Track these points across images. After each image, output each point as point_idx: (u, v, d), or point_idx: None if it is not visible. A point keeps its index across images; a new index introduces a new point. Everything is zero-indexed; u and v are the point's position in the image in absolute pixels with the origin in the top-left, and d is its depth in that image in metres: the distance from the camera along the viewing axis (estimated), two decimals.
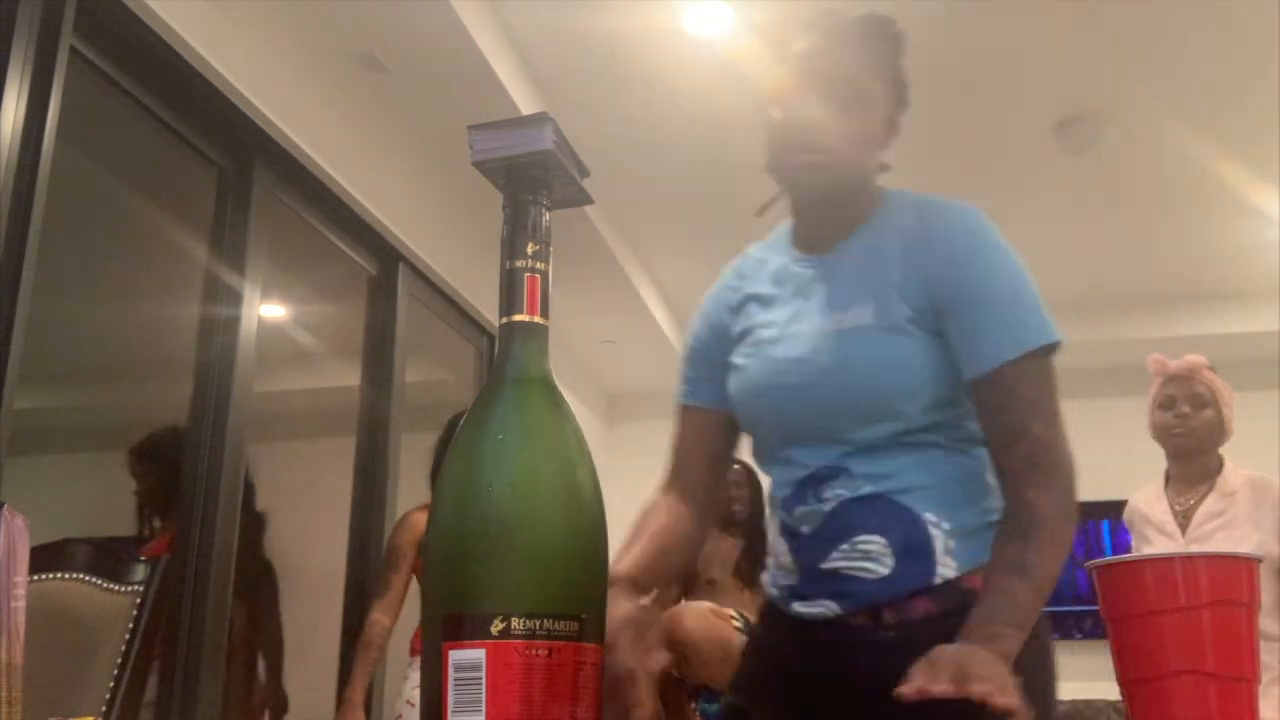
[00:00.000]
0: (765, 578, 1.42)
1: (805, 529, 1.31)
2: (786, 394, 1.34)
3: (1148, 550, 2.74)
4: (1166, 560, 0.76)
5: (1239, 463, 2.83)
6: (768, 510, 1.43)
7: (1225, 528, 2.64)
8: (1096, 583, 0.84)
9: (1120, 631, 0.79)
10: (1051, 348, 1.27)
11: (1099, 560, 0.83)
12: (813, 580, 1.30)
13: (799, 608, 1.31)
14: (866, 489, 1.29)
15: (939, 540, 1.26)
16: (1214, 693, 0.76)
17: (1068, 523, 1.19)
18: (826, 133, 1.31)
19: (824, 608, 1.29)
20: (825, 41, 1.35)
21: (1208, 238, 5.08)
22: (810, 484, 1.33)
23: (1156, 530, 2.76)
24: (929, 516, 1.27)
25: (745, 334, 1.42)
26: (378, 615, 3.13)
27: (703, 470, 1.45)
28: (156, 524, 3.16)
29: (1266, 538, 2.61)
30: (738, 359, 1.41)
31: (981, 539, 1.27)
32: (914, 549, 1.26)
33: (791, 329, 1.37)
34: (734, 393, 1.41)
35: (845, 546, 1.28)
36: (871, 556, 1.26)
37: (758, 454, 1.44)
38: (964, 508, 1.29)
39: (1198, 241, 5.12)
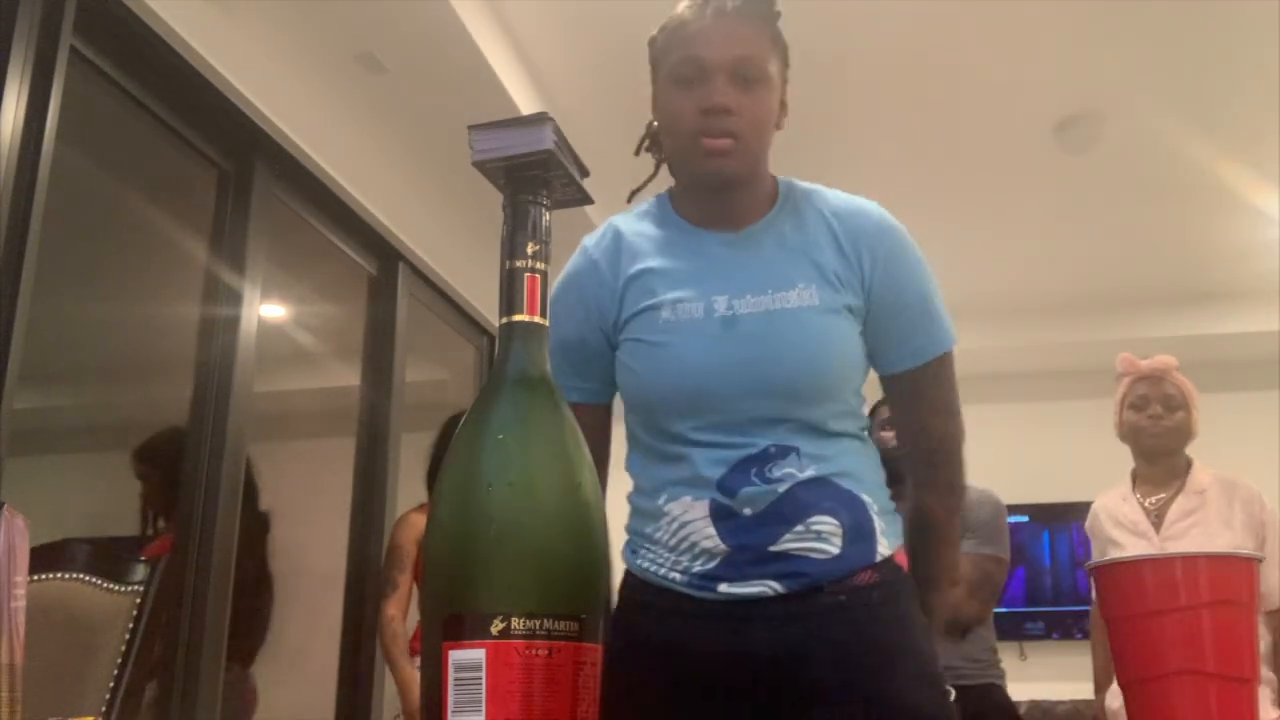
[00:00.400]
0: (642, 562, 1.35)
1: (748, 511, 1.29)
2: (730, 372, 1.31)
3: (1115, 552, 2.74)
4: (1166, 560, 0.76)
5: (1240, 464, 2.83)
6: (661, 496, 1.34)
7: (1199, 525, 2.65)
8: (1096, 583, 0.83)
9: (1120, 631, 0.79)
10: (952, 351, 1.43)
11: (1099, 560, 0.83)
12: (752, 562, 1.28)
13: (729, 589, 1.28)
14: (811, 470, 1.31)
15: (877, 522, 1.33)
16: (1214, 693, 0.76)
17: (957, 518, 1.45)
18: (740, 116, 1.33)
19: (765, 587, 1.28)
20: (726, 24, 1.36)
21: (1208, 238, 5.08)
22: (754, 464, 1.30)
23: (1129, 531, 2.76)
24: (866, 499, 1.33)
25: (647, 311, 1.37)
26: (391, 610, 3.17)
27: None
28: (160, 524, 3.16)
29: (1238, 534, 2.62)
30: (648, 338, 1.35)
31: (895, 520, 1.39)
32: (860, 530, 1.31)
33: (721, 305, 1.34)
34: (647, 375, 1.35)
35: (800, 528, 1.29)
36: (824, 537, 1.29)
37: (658, 436, 1.36)
38: (881, 491, 1.38)
39: (1198, 241, 5.12)
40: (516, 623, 0.66)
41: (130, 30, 2.73)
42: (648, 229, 1.45)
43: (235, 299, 3.15)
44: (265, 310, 3.33)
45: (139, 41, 2.77)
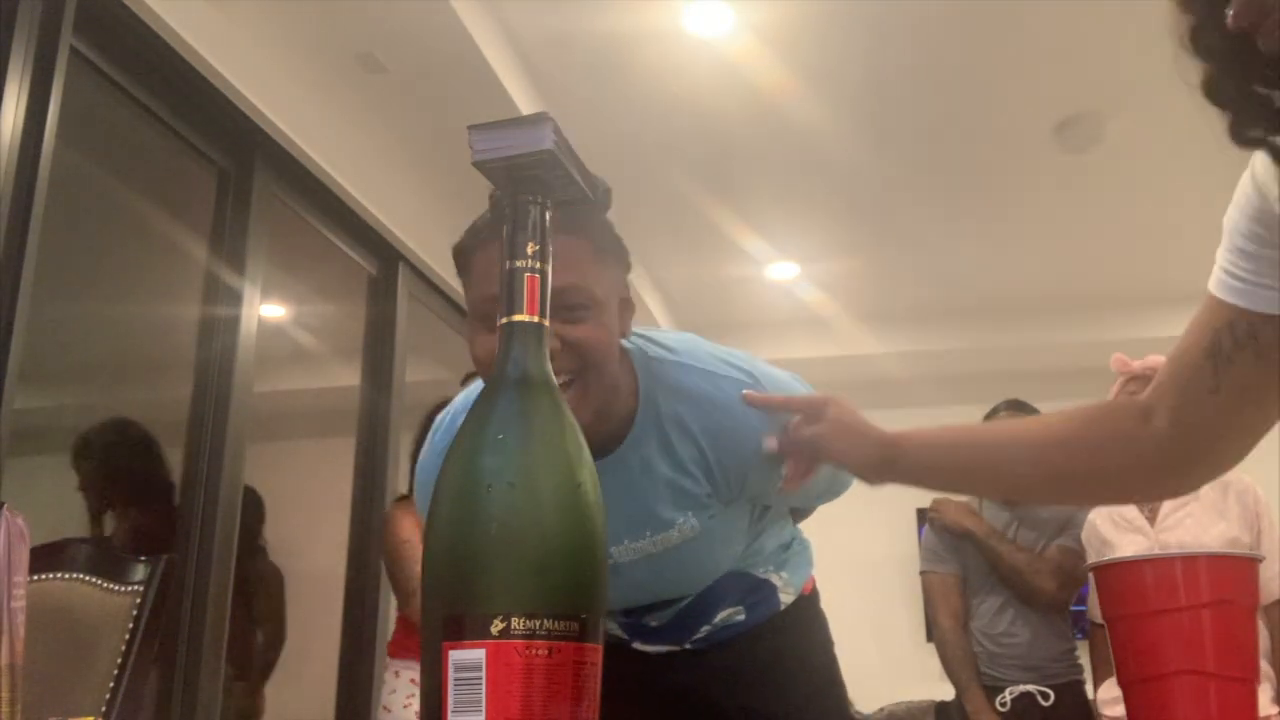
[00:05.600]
0: None
1: (655, 623, 1.43)
2: (623, 600, 1.41)
3: (1110, 553, 2.76)
4: (1166, 560, 0.76)
5: (1240, 465, 2.83)
6: None
7: (1193, 515, 2.67)
8: (1096, 583, 0.83)
9: (1120, 631, 0.79)
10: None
11: (1099, 560, 0.83)
12: (662, 639, 1.46)
13: (642, 647, 1.46)
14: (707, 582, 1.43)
15: (778, 582, 1.48)
16: (1214, 692, 0.76)
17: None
18: (569, 353, 1.17)
19: (674, 645, 1.47)
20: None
21: (1208, 238, 5.06)
22: (650, 609, 1.45)
23: (1125, 529, 2.77)
24: (764, 575, 1.47)
25: None
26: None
27: None
28: (112, 522, 3.08)
29: (1233, 525, 2.63)
30: None
31: (797, 556, 1.52)
32: (763, 599, 1.47)
33: (614, 552, 1.33)
34: None
35: (707, 626, 1.44)
36: (731, 619, 1.45)
37: None
38: (779, 552, 1.50)
39: (1198, 241, 5.11)
40: (516, 622, 0.66)
41: (130, 30, 2.73)
42: None
43: (235, 299, 3.15)
44: (265, 310, 3.33)
45: (139, 41, 2.77)
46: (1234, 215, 0.95)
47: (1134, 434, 1.05)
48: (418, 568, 3.02)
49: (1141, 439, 1.04)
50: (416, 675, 2.92)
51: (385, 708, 3.01)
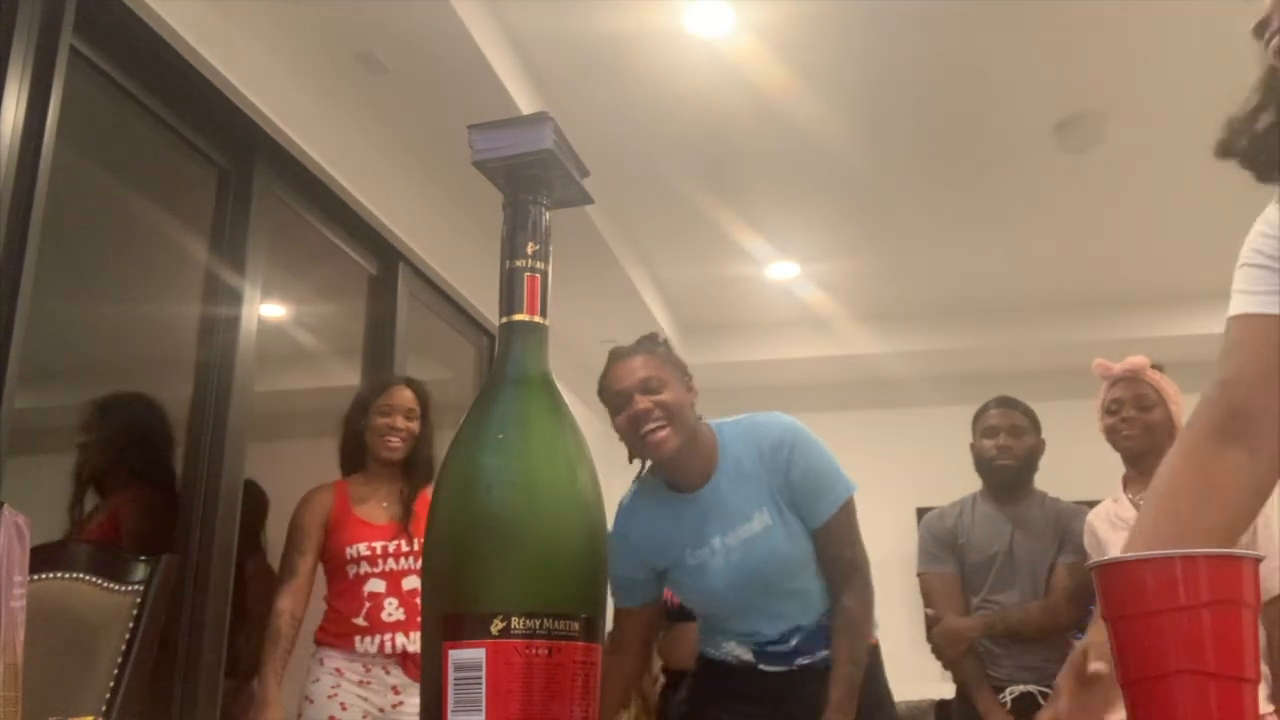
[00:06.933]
0: (713, 650, 2.27)
1: (773, 649, 2.18)
2: (724, 594, 2.15)
3: (1110, 553, 2.76)
4: (1166, 560, 0.76)
5: None
6: (718, 637, 2.28)
7: None
8: (1096, 583, 0.84)
9: (1120, 631, 0.79)
10: (851, 496, 2.17)
11: (1099, 560, 0.83)
12: (780, 663, 2.20)
13: (765, 667, 2.19)
14: (799, 638, 2.18)
15: None
16: (1214, 693, 0.76)
17: (868, 614, 2.14)
18: (662, 406, 2.08)
19: (787, 666, 2.18)
20: (634, 367, 2.11)
21: (1208, 237, 5.07)
22: (768, 647, 2.19)
23: (1123, 526, 2.77)
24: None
25: (670, 568, 2.20)
26: (285, 602, 2.85)
27: (644, 648, 2.36)
28: (94, 501, 3.02)
29: None
30: (676, 576, 2.20)
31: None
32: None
33: (704, 552, 2.15)
34: (689, 596, 2.28)
35: (805, 659, 2.16)
36: (820, 657, 2.15)
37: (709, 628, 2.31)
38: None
39: (1198, 241, 5.12)
40: (516, 622, 0.66)
41: (130, 30, 2.73)
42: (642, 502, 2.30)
43: (235, 299, 3.15)
44: (265, 310, 3.33)
45: (139, 41, 2.77)
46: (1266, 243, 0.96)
47: (1240, 468, 1.05)
48: (295, 556, 2.93)
49: (1244, 467, 1.04)
50: (342, 664, 2.86)
51: (308, 697, 2.87)
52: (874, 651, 2.19)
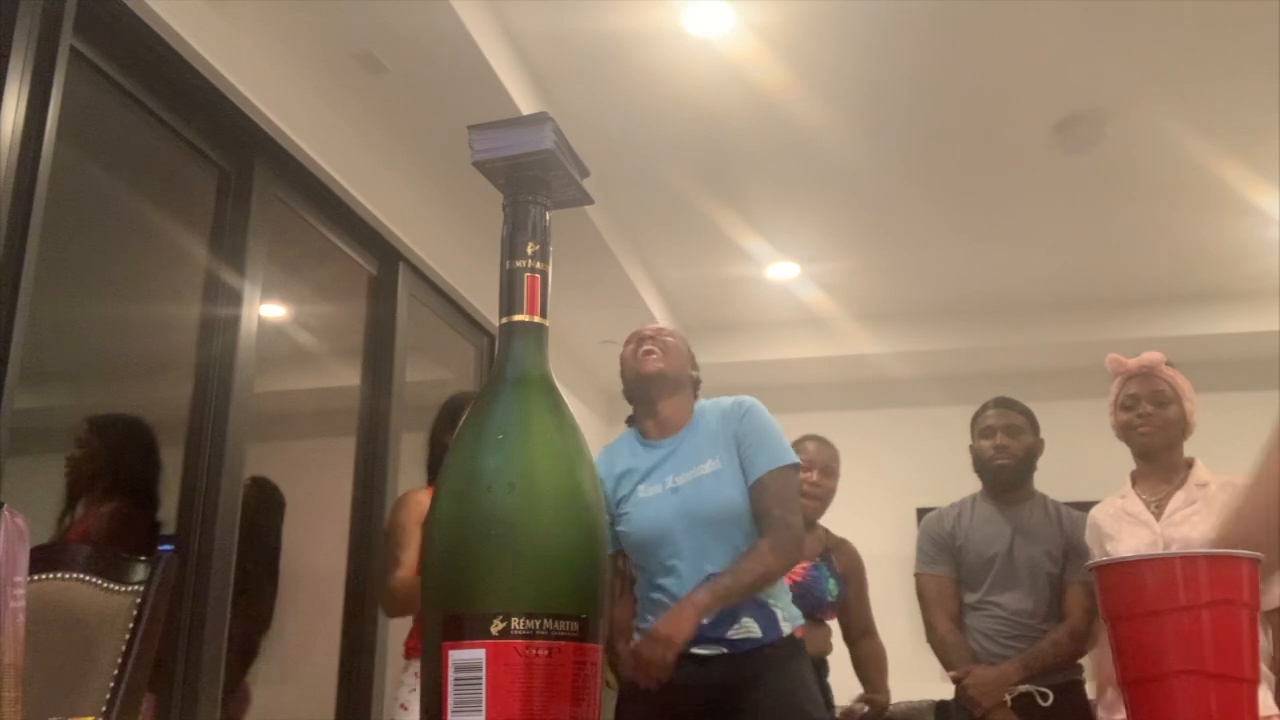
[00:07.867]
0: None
1: (705, 620, 2.27)
2: (671, 527, 2.35)
3: (1113, 548, 2.75)
4: (1166, 560, 0.76)
5: (1240, 464, 2.82)
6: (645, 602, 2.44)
7: (1200, 513, 2.65)
8: (1096, 583, 0.84)
9: (1120, 631, 0.79)
10: (794, 466, 2.41)
11: (1099, 560, 0.83)
12: (709, 641, 2.30)
13: (695, 649, 2.28)
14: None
15: (778, 613, 2.36)
16: (1214, 693, 0.76)
17: (777, 559, 2.30)
18: (660, 347, 2.47)
19: (719, 649, 2.30)
20: (657, 325, 2.54)
21: (1208, 237, 5.08)
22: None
23: (1130, 522, 2.76)
24: (766, 598, 2.35)
25: (623, 499, 2.42)
26: (401, 574, 2.88)
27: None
28: (81, 507, 3.03)
29: None
30: (628, 509, 2.39)
31: (787, 601, 2.42)
32: (768, 620, 2.34)
33: (657, 487, 2.40)
34: (639, 530, 2.38)
35: (736, 626, 2.30)
36: (751, 633, 2.31)
37: (642, 570, 2.43)
38: (782, 594, 2.42)
39: (1198, 241, 5.12)
40: (516, 622, 0.66)
41: (130, 30, 2.73)
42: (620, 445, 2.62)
43: (235, 299, 3.15)
44: (265, 310, 3.32)
45: (139, 41, 2.77)
46: None
47: None
48: (398, 550, 2.96)
49: None
50: None
51: (403, 705, 2.96)
52: (818, 662, 2.50)
